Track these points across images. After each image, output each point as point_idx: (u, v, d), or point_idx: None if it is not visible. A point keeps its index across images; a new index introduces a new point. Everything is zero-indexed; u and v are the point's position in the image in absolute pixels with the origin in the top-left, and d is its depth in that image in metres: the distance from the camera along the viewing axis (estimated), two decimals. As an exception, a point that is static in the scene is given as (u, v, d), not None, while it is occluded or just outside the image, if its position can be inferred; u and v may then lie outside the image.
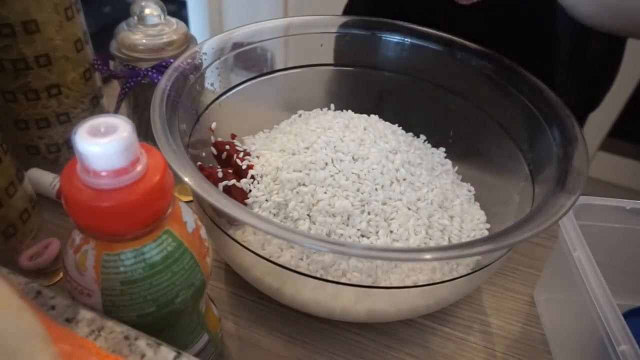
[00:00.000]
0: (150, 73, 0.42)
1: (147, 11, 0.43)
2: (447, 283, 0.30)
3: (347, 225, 0.33)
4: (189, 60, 0.37)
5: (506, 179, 0.39)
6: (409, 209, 0.34)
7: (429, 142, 0.44)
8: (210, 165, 0.39)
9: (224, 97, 0.41)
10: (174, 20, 0.44)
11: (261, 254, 0.31)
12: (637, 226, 0.37)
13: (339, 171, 0.35)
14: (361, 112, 0.42)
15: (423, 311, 0.36)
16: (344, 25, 0.45)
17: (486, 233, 0.37)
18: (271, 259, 0.31)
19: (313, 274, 0.30)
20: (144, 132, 0.46)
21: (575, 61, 0.54)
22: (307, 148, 0.36)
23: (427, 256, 0.25)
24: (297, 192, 0.34)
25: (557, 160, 0.32)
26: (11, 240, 0.38)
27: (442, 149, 0.43)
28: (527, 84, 0.38)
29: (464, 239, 0.35)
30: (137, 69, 0.42)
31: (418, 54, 0.44)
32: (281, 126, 0.42)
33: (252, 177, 0.36)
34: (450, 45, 0.43)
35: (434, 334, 0.37)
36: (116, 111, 0.45)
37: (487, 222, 0.38)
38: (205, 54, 0.38)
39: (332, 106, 0.45)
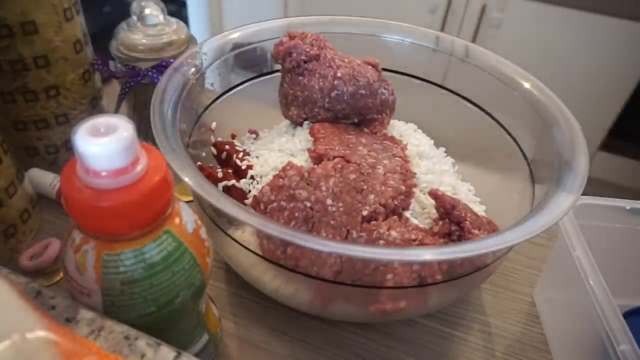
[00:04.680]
0: (150, 73, 0.42)
1: (147, 11, 0.43)
2: (447, 283, 0.30)
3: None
4: (189, 60, 0.37)
5: (506, 179, 0.39)
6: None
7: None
8: (210, 165, 0.39)
9: (224, 97, 0.41)
10: (174, 20, 0.44)
11: (261, 253, 0.31)
12: (637, 226, 0.37)
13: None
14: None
15: (423, 311, 0.36)
16: (343, 25, 0.45)
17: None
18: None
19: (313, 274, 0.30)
20: (144, 132, 0.46)
21: None
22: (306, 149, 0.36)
23: (427, 256, 0.25)
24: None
25: (557, 160, 0.32)
26: (11, 240, 0.38)
27: (442, 149, 0.43)
28: (527, 84, 0.38)
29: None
30: (137, 69, 0.42)
31: (418, 54, 0.44)
32: (281, 126, 0.42)
33: (252, 177, 0.36)
34: (450, 45, 0.43)
35: (434, 334, 0.37)
36: (116, 111, 0.45)
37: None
38: (205, 54, 0.38)
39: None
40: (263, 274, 0.32)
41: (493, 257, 0.31)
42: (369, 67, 0.39)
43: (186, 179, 0.26)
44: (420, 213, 0.34)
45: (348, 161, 0.33)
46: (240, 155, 0.38)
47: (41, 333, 0.17)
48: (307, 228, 0.31)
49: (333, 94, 0.37)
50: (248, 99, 0.43)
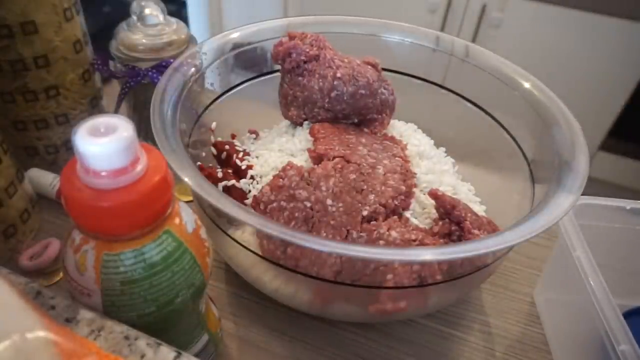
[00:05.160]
0: (150, 73, 0.42)
1: (147, 11, 0.43)
2: (447, 283, 0.30)
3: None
4: (189, 60, 0.37)
5: (506, 178, 0.39)
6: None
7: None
8: (210, 165, 0.39)
9: (224, 97, 0.41)
10: (174, 20, 0.44)
11: (261, 253, 0.31)
12: (637, 226, 0.37)
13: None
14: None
15: (423, 311, 0.36)
16: (343, 25, 0.45)
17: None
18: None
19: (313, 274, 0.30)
20: (144, 132, 0.46)
21: None
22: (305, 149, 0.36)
23: (427, 256, 0.25)
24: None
25: (557, 160, 0.32)
26: (11, 240, 0.38)
27: (442, 149, 0.43)
28: (527, 84, 0.38)
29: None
30: (137, 69, 0.42)
31: (418, 53, 0.44)
32: (281, 126, 0.42)
33: (252, 177, 0.36)
34: (450, 45, 0.43)
35: (434, 334, 0.37)
36: (116, 111, 0.45)
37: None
38: (205, 54, 0.38)
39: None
40: (263, 274, 0.32)
41: (493, 257, 0.31)
42: (369, 67, 0.39)
43: (186, 179, 0.26)
44: (420, 213, 0.34)
45: (348, 161, 0.33)
46: (240, 155, 0.38)
47: (41, 333, 0.17)
48: (307, 228, 0.31)
49: (333, 94, 0.37)
50: (248, 99, 0.43)
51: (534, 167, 0.36)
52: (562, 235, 0.34)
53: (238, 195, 0.35)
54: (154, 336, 0.21)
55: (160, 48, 0.42)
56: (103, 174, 0.19)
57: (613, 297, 0.30)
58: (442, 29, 1.36)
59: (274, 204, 0.32)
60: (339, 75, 0.36)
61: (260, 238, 0.32)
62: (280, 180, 0.32)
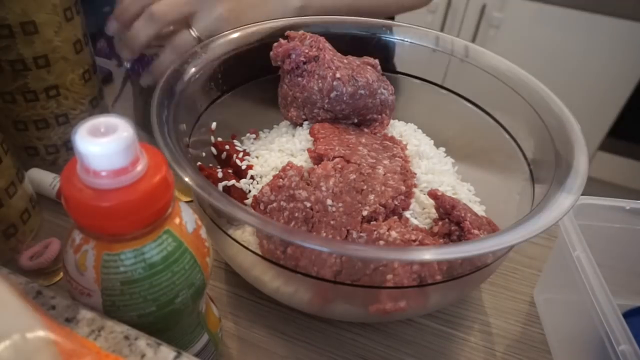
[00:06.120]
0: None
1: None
2: (447, 283, 0.30)
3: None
4: (189, 60, 0.37)
5: (506, 178, 0.39)
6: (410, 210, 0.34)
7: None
8: (210, 165, 0.39)
9: (224, 97, 0.41)
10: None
11: (261, 253, 0.31)
12: (637, 226, 0.37)
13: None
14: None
15: (423, 311, 0.36)
16: (343, 26, 0.45)
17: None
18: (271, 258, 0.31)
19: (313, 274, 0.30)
20: (149, 119, 0.45)
21: None
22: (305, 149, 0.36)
23: (427, 256, 0.25)
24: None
25: (557, 160, 0.32)
26: (11, 240, 0.38)
27: (442, 149, 0.43)
28: (527, 84, 0.38)
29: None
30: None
31: (418, 54, 0.44)
32: (281, 126, 0.42)
33: (252, 177, 0.36)
34: (450, 45, 0.43)
35: (434, 334, 0.37)
36: (119, 94, 0.45)
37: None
38: (206, 53, 0.38)
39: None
40: (263, 274, 0.32)
41: (493, 257, 0.31)
42: (368, 67, 0.39)
43: (186, 179, 0.26)
44: (420, 213, 0.34)
45: (348, 161, 0.33)
46: (240, 155, 0.38)
47: (41, 333, 0.17)
48: (307, 228, 0.31)
49: (332, 95, 0.37)
50: (248, 99, 0.43)
51: (534, 167, 0.36)
52: (562, 235, 0.34)
53: (238, 195, 0.35)
54: (154, 336, 0.21)
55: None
56: (103, 174, 0.19)
57: (613, 297, 0.30)
58: (442, 29, 1.37)
59: (274, 204, 0.32)
60: (338, 75, 0.36)
61: (260, 238, 0.32)
62: (280, 180, 0.32)
